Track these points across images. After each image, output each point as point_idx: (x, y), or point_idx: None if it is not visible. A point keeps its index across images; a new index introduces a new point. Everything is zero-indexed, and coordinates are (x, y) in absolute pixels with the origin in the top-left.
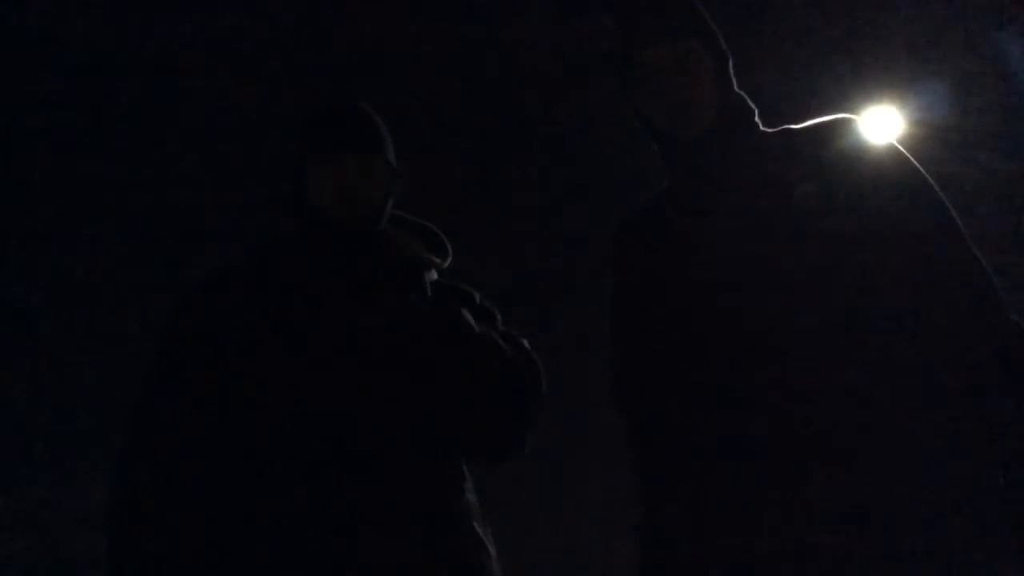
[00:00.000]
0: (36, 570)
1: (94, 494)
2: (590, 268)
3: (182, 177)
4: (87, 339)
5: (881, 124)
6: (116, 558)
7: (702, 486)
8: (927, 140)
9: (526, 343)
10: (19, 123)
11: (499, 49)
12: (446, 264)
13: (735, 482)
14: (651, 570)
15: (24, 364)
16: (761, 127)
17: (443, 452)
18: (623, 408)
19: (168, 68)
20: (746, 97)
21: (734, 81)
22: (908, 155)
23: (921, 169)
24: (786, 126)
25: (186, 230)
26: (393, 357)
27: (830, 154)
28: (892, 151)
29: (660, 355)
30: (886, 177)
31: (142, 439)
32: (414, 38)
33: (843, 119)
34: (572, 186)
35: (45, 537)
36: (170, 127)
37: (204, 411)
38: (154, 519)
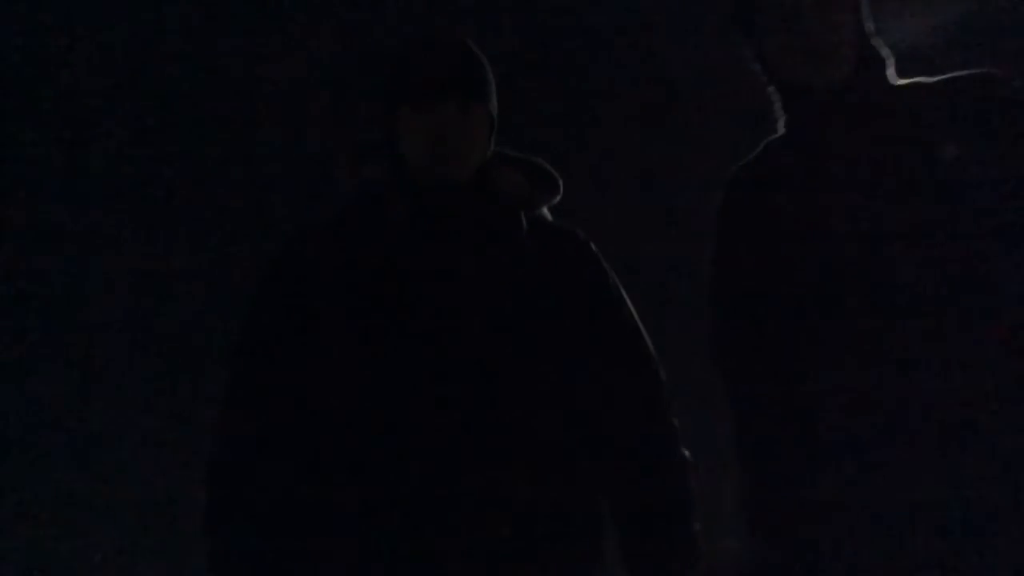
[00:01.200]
0: None
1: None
2: None
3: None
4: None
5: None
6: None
7: (826, 440)
8: None
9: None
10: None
11: None
12: (556, 200)
13: (856, 438)
14: (764, 526)
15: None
16: (893, 78)
17: (568, 447)
18: (730, 361)
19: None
20: (882, 44)
21: (872, 26)
22: None
23: None
24: (918, 79)
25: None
26: (502, 324)
27: (972, 114)
28: None
29: (779, 309)
30: None
31: (232, 417)
32: None
33: (986, 74)
34: None
35: None
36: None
37: (293, 386)
38: (237, 506)
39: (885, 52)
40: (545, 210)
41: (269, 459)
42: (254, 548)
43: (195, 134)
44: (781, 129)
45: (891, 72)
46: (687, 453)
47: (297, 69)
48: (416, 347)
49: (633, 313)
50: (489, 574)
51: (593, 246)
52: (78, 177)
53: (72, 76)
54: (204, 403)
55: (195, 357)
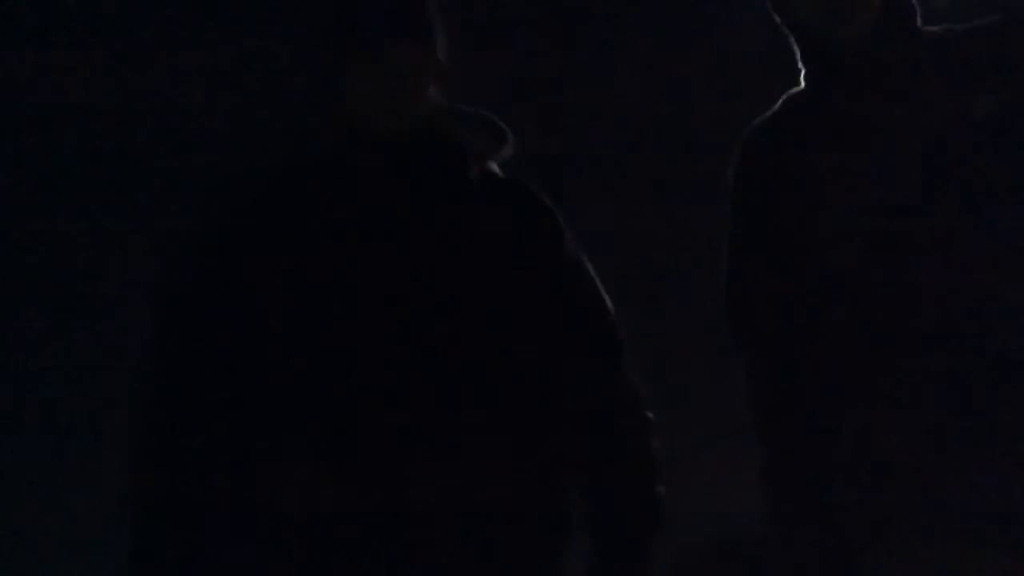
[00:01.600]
0: None
1: None
2: None
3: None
4: None
5: None
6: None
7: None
8: None
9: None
10: None
11: None
12: (507, 153)
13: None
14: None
15: None
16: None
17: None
18: (747, 328)
19: None
20: None
21: None
22: None
23: None
24: (948, 26)
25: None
26: (448, 292)
27: (1011, 62)
28: None
29: (801, 275)
30: None
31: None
32: None
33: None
34: None
35: None
36: None
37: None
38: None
39: (914, 1)
40: (495, 165)
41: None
42: (185, 546)
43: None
44: (801, 83)
45: (918, 23)
46: (650, 415)
47: None
48: (359, 322)
49: (588, 269)
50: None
51: (547, 200)
52: None
53: None
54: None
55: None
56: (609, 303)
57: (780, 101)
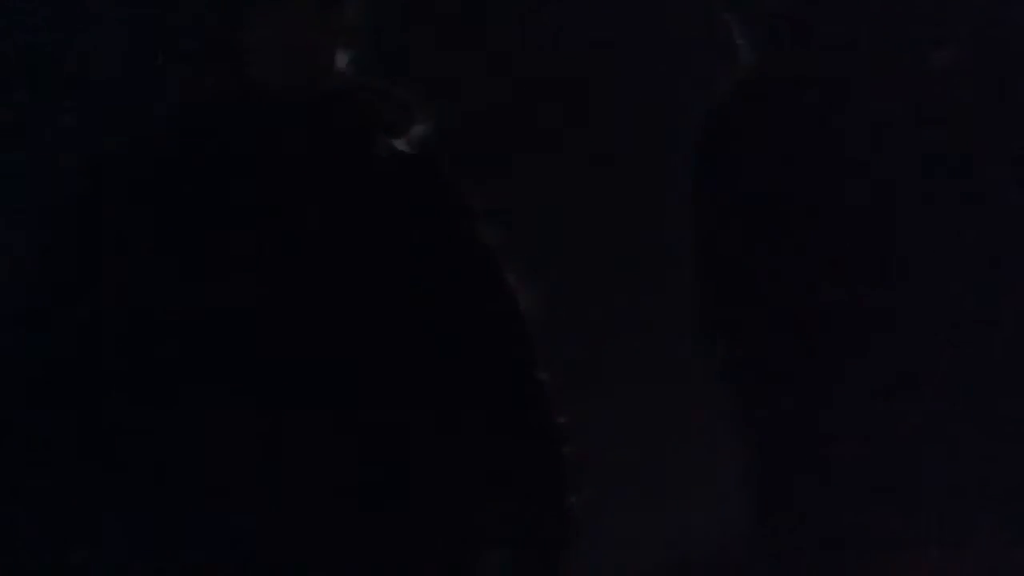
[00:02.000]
0: None
1: None
2: None
3: None
4: None
5: None
6: None
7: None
8: None
9: None
10: None
11: None
12: (415, 129)
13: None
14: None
15: None
16: None
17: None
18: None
19: None
20: None
21: None
22: None
23: None
24: None
25: None
26: (350, 275)
27: (973, 14)
28: None
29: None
30: None
31: None
32: None
33: None
34: None
35: None
36: None
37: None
38: None
39: None
40: (404, 141)
41: None
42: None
43: None
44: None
45: None
46: (561, 419)
47: None
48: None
49: (498, 258)
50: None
51: (459, 183)
52: None
53: None
54: None
55: None
56: (519, 297)
57: (732, 69)
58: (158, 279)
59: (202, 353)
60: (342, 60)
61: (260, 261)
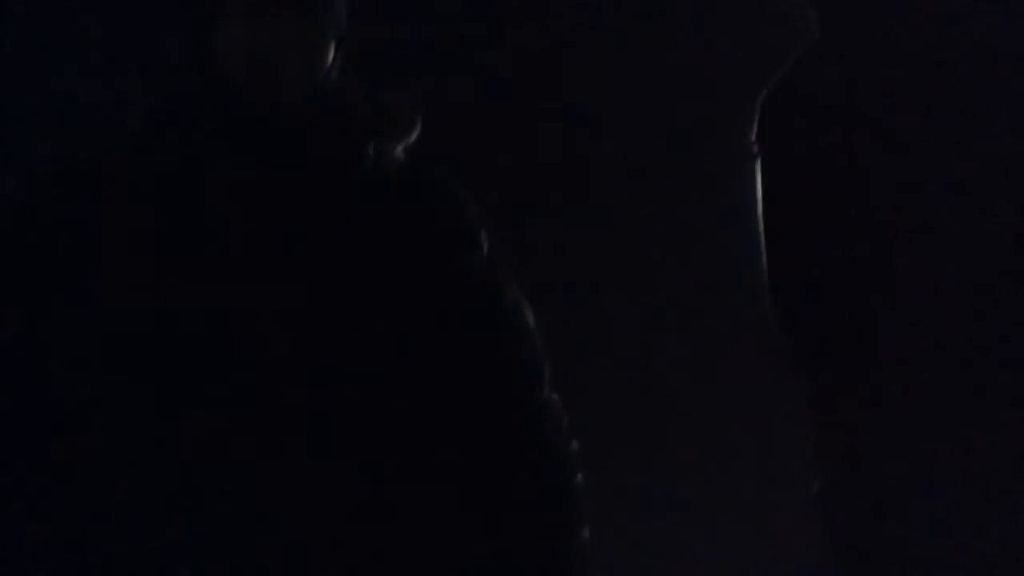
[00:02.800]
0: None
1: None
2: None
3: None
4: None
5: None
6: None
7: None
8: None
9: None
10: None
11: None
12: (411, 137)
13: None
14: None
15: None
16: None
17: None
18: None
19: None
20: None
21: None
22: None
23: None
24: None
25: None
26: (336, 297)
27: None
28: None
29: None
30: None
31: None
32: None
33: None
34: None
35: None
36: None
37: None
38: None
39: None
40: (400, 149)
41: None
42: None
43: None
44: None
45: None
46: (573, 445)
47: None
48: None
49: (503, 277)
50: None
51: (461, 197)
52: None
53: None
54: None
55: None
56: (528, 318)
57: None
58: (131, 288)
59: (176, 366)
60: (329, 64)
61: (244, 270)
